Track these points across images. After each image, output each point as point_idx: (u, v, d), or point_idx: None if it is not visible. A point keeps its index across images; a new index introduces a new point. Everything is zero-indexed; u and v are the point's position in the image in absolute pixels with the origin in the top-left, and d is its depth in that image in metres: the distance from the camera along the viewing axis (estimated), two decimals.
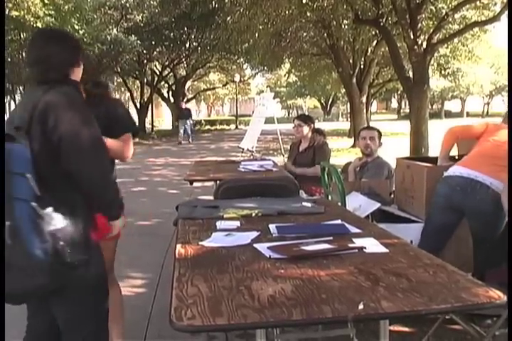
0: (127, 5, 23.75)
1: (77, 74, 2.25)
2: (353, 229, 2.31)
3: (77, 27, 17.90)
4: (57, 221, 1.86)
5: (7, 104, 29.27)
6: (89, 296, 2.09)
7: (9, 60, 18.29)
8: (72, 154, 1.96)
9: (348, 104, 26.96)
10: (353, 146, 17.22)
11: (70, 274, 1.91)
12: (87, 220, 2.03)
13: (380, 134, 4.63)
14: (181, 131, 23.00)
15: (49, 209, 1.86)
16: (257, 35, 17.82)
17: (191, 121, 24.03)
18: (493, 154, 3.30)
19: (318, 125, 5.82)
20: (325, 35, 18.69)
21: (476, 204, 3.21)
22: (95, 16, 21.65)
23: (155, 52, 27.60)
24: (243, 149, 12.64)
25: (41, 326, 2.27)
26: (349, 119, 26.45)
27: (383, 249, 2.00)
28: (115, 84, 37.11)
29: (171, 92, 33.40)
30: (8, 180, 1.82)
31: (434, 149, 9.03)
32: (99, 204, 2.11)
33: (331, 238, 2.14)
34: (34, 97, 2.01)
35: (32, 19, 17.30)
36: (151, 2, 23.97)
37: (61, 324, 2.15)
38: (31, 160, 1.86)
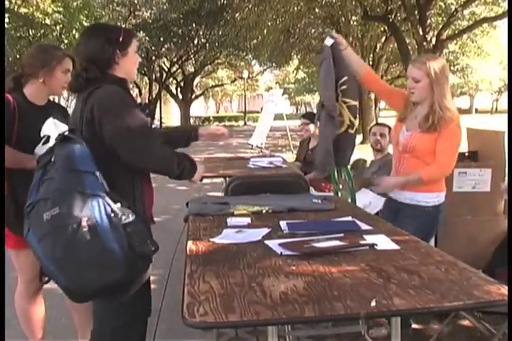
0: (135, 1, 23.85)
1: (122, 67, 2.18)
2: (364, 226, 2.31)
3: (85, 24, 17.95)
4: (126, 215, 1.90)
5: None
6: None
7: (18, 56, 18.35)
8: (128, 148, 2.07)
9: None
10: (362, 143, 17.17)
11: (143, 266, 1.96)
12: (145, 214, 2.17)
13: (390, 131, 4.64)
14: None
15: (118, 204, 1.91)
16: (265, 31, 17.83)
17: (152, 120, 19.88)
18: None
19: None
20: (334, 31, 18.66)
21: None
22: (104, 13, 21.73)
23: (163, 49, 27.65)
24: (252, 146, 12.64)
25: None
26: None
27: (394, 246, 1.99)
28: None
29: (179, 89, 33.41)
30: (76, 178, 1.88)
31: None
32: (174, 177, 2.27)
33: (342, 235, 2.14)
34: (80, 100, 2.11)
35: (41, 16, 17.40)
36: None
37: (92, 316, 2.19)
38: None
